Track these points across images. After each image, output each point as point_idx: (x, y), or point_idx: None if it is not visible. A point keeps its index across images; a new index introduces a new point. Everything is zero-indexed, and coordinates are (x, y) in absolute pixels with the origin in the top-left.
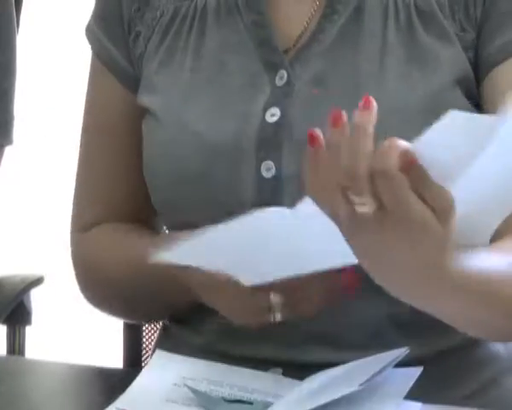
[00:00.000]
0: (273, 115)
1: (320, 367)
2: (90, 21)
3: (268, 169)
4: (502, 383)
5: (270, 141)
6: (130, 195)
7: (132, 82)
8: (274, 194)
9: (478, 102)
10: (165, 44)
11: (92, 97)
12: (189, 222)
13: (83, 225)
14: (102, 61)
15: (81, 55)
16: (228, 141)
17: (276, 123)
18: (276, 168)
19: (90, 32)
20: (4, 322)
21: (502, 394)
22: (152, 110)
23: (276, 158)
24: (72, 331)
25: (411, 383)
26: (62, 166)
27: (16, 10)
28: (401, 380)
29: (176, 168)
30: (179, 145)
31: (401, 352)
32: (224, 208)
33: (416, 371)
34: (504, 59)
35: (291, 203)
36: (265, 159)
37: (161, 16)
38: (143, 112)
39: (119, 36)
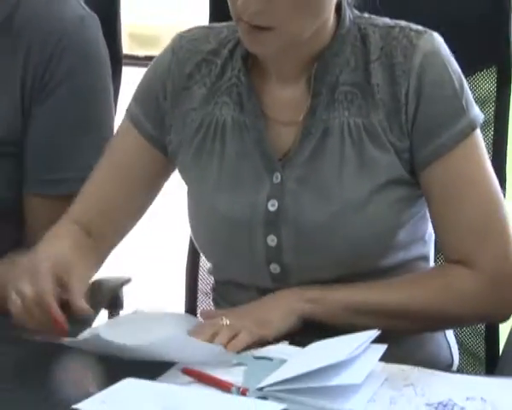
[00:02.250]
0: (273, 205)
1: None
2: (131, 101)
3: (272, 240)
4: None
5: (272, 222)
6: (110, 218)
7: (159, 145)
8: (277, 257)
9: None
10: (195, 143)
11: (117, 141)
12: (217, 264)
13: (69, 214)
14: (133, 124)
15: None
16: (244, 221)
17: (275, 211)
18: (278, 240)
19: (130, 108)
20: (106, 308)
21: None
22: (190, 190)
23: (277, 233)
24: None
25: (380, 355)
26: None
27: (116, 81)
28: (372, 353)
29: (208, 236)
30: (210, 220)
31: (374, 333)
32: (242, 265)
33: (383, 347)
34: (436, 159)
35: (290, 261)
36: (270, 233)
37: (192, 121)
38: (161, 170)
39: (155, 117)
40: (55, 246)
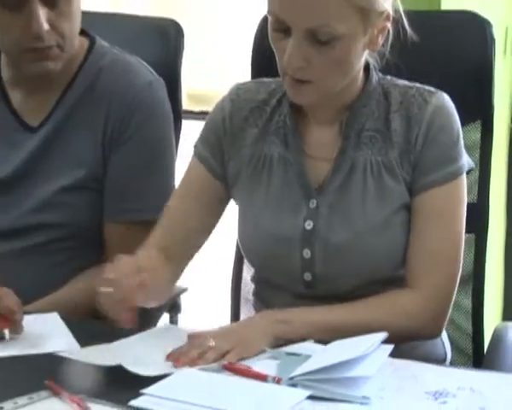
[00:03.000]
0: (309, 225)
1: None
2: (197, 140)
3: (307, 253)
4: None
5: (308, 239)
6: (183, 240)
7: (220, 177)
8: (310, 267)
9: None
10: (247, 174)
11: (187, 175)
12: (262, 276)
13: (150, 239)
14: (199, 160)
15: None
16: (285, 237)
17: (310, 230)
18: (311, 253)
19: (196, 146)
20: (167, 312)
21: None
22: (241, 211)
23: (311, 248)
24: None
25: (388, 352)
26: None
27: (177, 131)
28: (382, 351)
29: (254, 248)
30: (257, 236)
31: (384, 335)
32: (281, 273)
33: (390, 347)
34: (424, 191)
35: (320, 271)
36: (305, 248)
37: (245, 156)
38: (222, 197)
39: (217, 155)
40: (140, 262)
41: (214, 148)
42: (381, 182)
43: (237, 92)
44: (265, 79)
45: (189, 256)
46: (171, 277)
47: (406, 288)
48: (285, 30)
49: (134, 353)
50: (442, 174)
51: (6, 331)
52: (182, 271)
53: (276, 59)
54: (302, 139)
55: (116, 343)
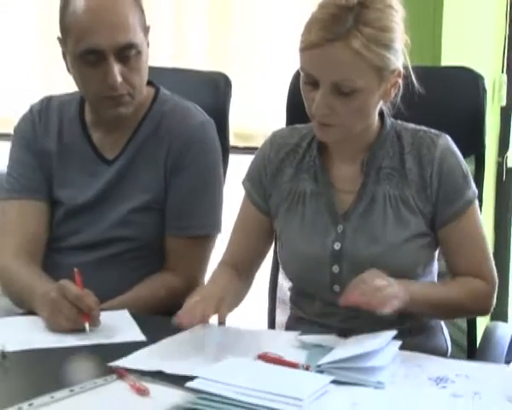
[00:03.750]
0: (337, 246)
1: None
2: (244, 178)
3: (335, 268)
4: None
5: (336, 257)
6: (248, 261)
7: (264, 212)
8: (338, 280)
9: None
10: (285, 206)
11: (240, 209)
12: (298, 287)
13: (223, 258)
14: (247, 196)
15: None
16: (317, 256)
17: (339, 250)
18: (339, 268)
19: (244, 183)
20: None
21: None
22: (281, 237)
23: (339, 264)
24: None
25: (397, 347)
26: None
27: (225, 164)
28: (393, 345)
29: (291, 267)
30: (294, 256)
31: (394, 332)
32: (313, 285)
33: (399, 342)
34: (453, 220)
35: (347, 283)
36: (334, 264)
37: (283, 191)
38: (269, 228)
39: (260, 192)
40: (217, 282)
41: (257, 186)
42: (399, 212)
43: (275, 138)
44: (297, 126)
45: (254, 272)
46: (244, 286)
47: (477, 278)
48: (314, 83)
49: (174, 355)
50: (460, 205)
51: (86, 325)
52: (250, 283)
53: (306, 106)
54: (329, 175)
55: (159, 345)
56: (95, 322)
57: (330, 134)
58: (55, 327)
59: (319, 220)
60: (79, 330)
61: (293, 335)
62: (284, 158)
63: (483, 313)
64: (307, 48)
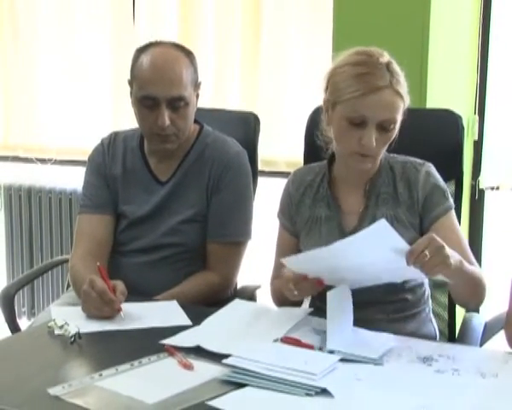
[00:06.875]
0: None
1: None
2: (278, 211)
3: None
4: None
5: None
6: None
7: (294, 234)
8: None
9: None
10: (306, 228)
11: (278, 238)
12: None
13: (272, 276)
14: (280, 222)
15: None
16: None
17: None
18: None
19: (278, 215)
20: None
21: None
22: (304, 250)
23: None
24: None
25: (392, 341)
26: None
27: (255, 185)
28: (388, 339)
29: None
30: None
31: (393, 336)
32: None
33: (392, 336)
34: (435, 221)
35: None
36: None
37: (304, 217)
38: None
39: (289, 219)
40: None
41: (287, 213)
42: (394, 229)
43: (296, 176)
44: (311, 165)
45: None
46: None
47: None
48: (360, 123)
49: (212, 335)
50: (441, 210)
51: (122, 313)
52: None
53: (343, 142)
54: (338, 201)
55: (200, 326)
56: (116, 308)
57: (367, 163)
58: (87, 313)
59: (331, 237)
60: (133, 317)
61: (306, 315)
62: (304, 192)
63: (481, 302)
64: (365, 94)
